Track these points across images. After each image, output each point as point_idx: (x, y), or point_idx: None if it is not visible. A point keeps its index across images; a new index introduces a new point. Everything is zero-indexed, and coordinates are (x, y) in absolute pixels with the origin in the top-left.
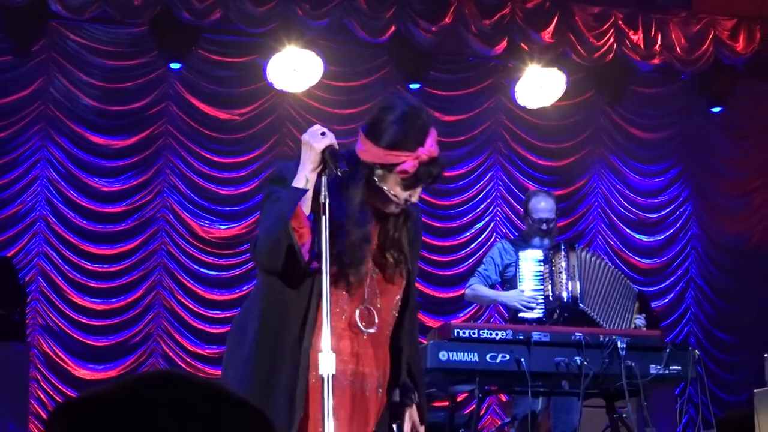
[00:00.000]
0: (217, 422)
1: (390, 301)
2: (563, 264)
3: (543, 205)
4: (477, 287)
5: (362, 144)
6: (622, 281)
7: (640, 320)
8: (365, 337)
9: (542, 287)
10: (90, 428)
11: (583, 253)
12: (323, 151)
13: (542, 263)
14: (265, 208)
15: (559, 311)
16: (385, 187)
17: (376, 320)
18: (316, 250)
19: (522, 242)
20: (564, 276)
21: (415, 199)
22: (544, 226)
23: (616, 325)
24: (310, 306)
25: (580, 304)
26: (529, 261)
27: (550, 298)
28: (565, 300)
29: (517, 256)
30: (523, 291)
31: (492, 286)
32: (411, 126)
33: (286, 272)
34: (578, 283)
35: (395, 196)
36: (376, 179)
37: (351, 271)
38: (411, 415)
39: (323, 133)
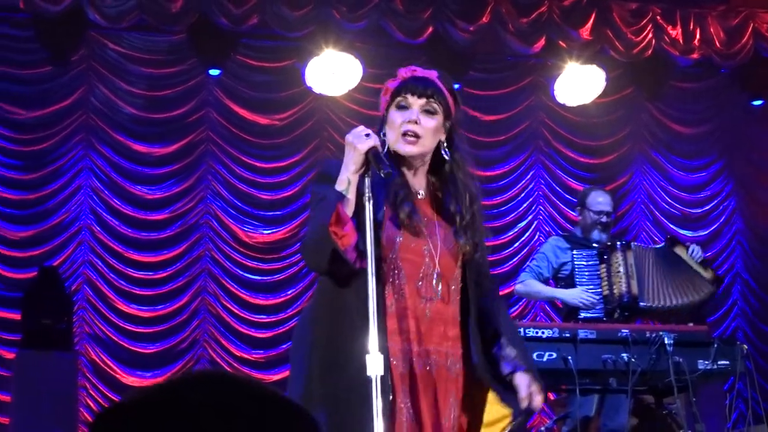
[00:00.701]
0: (262, 421)
1: (451, 272)
2: (621, 263)
3: (602, 199)
4: (530, 282)
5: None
6: (662, 252)
7: (694, 252)
8: (428, 313)
9: (600, 287)
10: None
11: (638, 250)
12: (367, 152)
13: (598, 262)
14: (313, 208)
15: (619, 311)
16: (389, 126)
17: (439, 291)
18: (361, 248)
19: (578, 238)
20: (622, 275)
21: (414, 117)
22: (603, 219)
23: (692, 289)
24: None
25: (641, 303)
26: (584, 260)
27: (609, 299)
28: (625, 300)
29: (572, 256)
30: (584, 290)
31: (544, 283)
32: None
33: (338, 272)
34: (636, 281)
35: (396, 126)
36: (386, 128)
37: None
38: (521, 380)
39: (367, 135)
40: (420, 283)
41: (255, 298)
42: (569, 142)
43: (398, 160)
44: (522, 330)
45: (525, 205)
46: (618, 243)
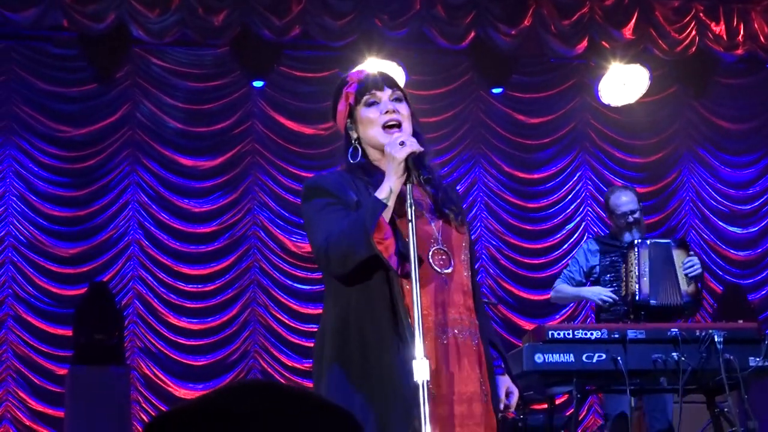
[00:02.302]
0: (307, 427)
1: (459, 246)
2: (634, 262)
3: (624, 199)
4: (561, 287)
5: (337, 123)
6: (665, 247)
7: (689, 263)
8: (445, 284)
9: (619, 287)
10: None
11: (654, 247)
12: (406, 160)
13: (621, 262)
14: (322, 217)
15: (634, 311)
16: (364, 126)
17: (452, 262)
18: (402, 251)
19: (611, 240)
20: (635, 275)
21: (390, 107)
22: (630, 219)
23: (665, 294)
24: (393, 295)
25: (652, 301)
26: (609, 263)
27: (626, 298)
28: (637, 299)
29: (600, 257)
30: (605, 288)
31: (578, 287)
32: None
33: (357, 277)
34: (648, 279)
35: (375, 121)
36: (358, 131)
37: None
38: (503, 382)
39: (402, 143)
40: (432, 257)
41: (305, 307)
42: (615, 142)
43: (374, 155)
44: (571, 332)
45: (572, 206)
46: (636, 242)
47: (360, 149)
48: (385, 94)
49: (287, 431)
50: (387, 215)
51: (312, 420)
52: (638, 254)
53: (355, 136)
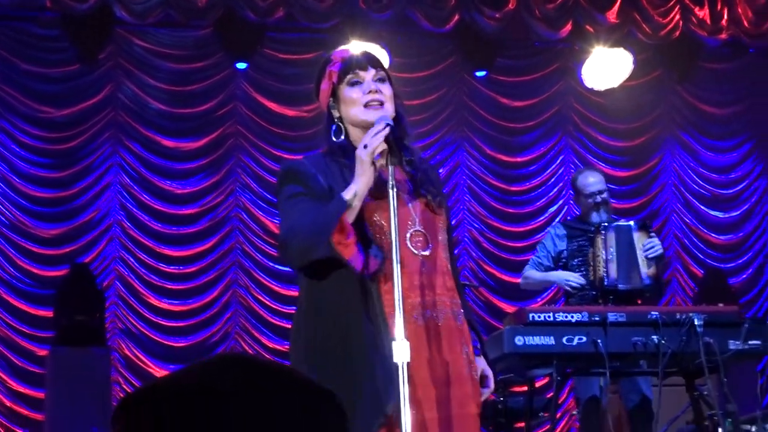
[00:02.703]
0: (290, 403)
1: (436, 228)
2: (601, 247)
3: (591, 180)
4: (529, 273)
5: (320, 102)
6: (627, 230)
7: (649, 244)
8: (423, 266)
9: (587, 272)
10: (158, 417)
11: (620, 231)
12: (388, 142)
13: (589, 247)
14: (291, 206)
15: (602, 296)
16: (346, 105)
17: (429, 243)
18: (365, 255)
19: (578, 224)
20: (602, 260)
21: (373, 87)
22: (597, 198)
23: (626, 278)
24: (364, 284)
25: (620, 286)
26: (577, 247)
27: (594, 284)
28: (606, 284)
29: (567, 242)
30: (573, 272)
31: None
32: (322, 60)
33: (318, 271)
34: (615, 264)
35: (357, 101)
36: (340, 111)
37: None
38: (479, 364)
39: (365, 145)
40: (410, 239)
41: (286, 289)
42: (598, 126)
43: (355, 134)
44: (551, 315)
45: (555, 190)
46: (602, 226)
47: (342, 129)
48: (368, 74)
49: (267, 407)
50: (351, 216)
51: (292, 396)
52: (605, 238)
53: (337, 115)
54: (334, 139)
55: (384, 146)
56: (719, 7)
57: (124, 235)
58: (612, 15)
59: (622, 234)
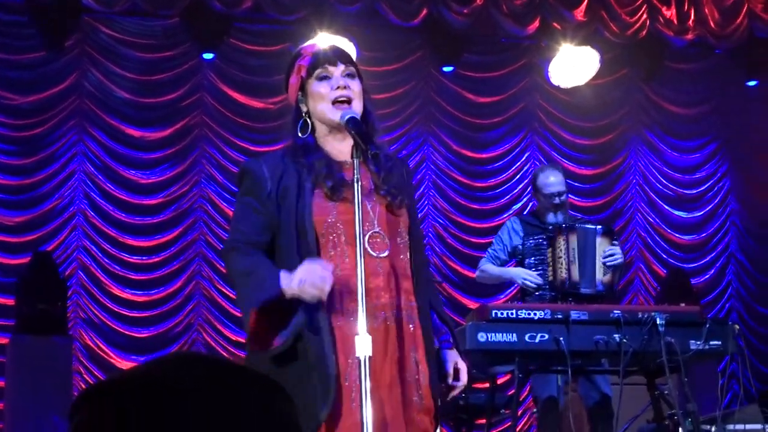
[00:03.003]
0: (242, 404)
1: (395, 229)
2: (563, 248)
3: (552, 179)
4: (485, 267)
5: (289, 96)
6: (591, 233)
7: (609, 251)
8: (379, 267)
9: (546, 272)
10: (120, 410)
11: (582, 232)
12: (352, 135)
13: (547, 246)
14: (237, 211)
15: (562, 297)
16: (314, 100)
17: (387, 245)
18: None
19: (534, 220)
20: (564, 261)
21: (341, 83)
22: (556, 200)
23: (584, 281)
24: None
25: (582, 289)
26: (534, 245)
27: (554, 284)
28: (566, 286)
29: (524, 239)
30: (530, 271)
31: (502, 266)
32: (294, 53)
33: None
34: (577, 266)
35: (325, 96)
36: (308, 105)
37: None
38: (451, 357)
39: (300, 281)
40: (367, 241)
41: None
42: (564, 123)
43: (322, 130)
44: (514, 312)
45: (520, 187)
46: (563, 226)
47: (309, 124)
48: (337, 70)
49: (227, 403)
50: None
51: (249, 392)
52: (567, 239)
53: (305, 109)
54: (300, 134)
55: (317, 296)
56: (686, 8)
57: (87, 224)
58: (579, 13)
59: (586, 236)
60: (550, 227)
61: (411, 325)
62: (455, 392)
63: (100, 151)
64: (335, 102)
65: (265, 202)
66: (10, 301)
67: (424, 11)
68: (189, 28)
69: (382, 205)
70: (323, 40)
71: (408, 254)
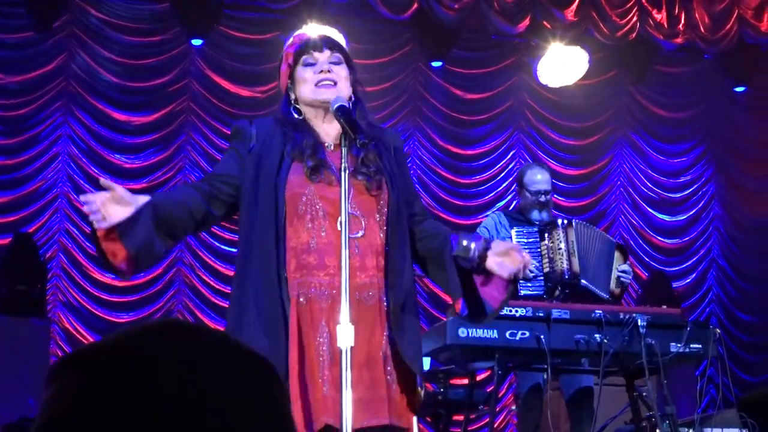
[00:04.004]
0: (220, 373)
1: (372, 208)
2: (562, 240)
3: (539, 177)
4: None
5: (280, 83)
6: (604, 239)
7: (624, 269)
8: (356, 248)
9: (540, 264)
10: (89, 381)
11: (580, 227)
12: (340, 123)
13: (539, 239)
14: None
15: (560, 288)
16: (299, 84)
17: (363, 225)
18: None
19: (519, 215)
20: (564, 252)
21: (325, 67)
22: (542, 198)
23: (603, 286)
24: (278, 233)
25: (582, 281)
26: (525, 237)
27: (551, 275)
28: (566, 277)
29: (510, 233)
30: None
31: None
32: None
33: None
34: (577, 258)
35: (309, 80)
36: (297, 91)
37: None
38: (496, 249)
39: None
40: (341, 222)
41: (230, 269)
42: (551, 123)
43: (309, 113)
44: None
45: (505, 184)
46: (560, 220)
47: (299, 111)
48: (323, 56)
49: (202, 372)
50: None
51: (227, 361)
52: (565, 232)
53: (293, 97)
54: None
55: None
56: (677, 12)
57: (69, 207)
58: (570, 13)
59: (590, 235)
60: (536, 222)
61: (386, 303)
62: (520, 271)
63: (85, 134)
64: (318, 85)
65: (245, 155)
66: None
67: (415, 5)
68: (178, 14)
69: (356, 187)
70: (313, 29)
71: (385, 230)
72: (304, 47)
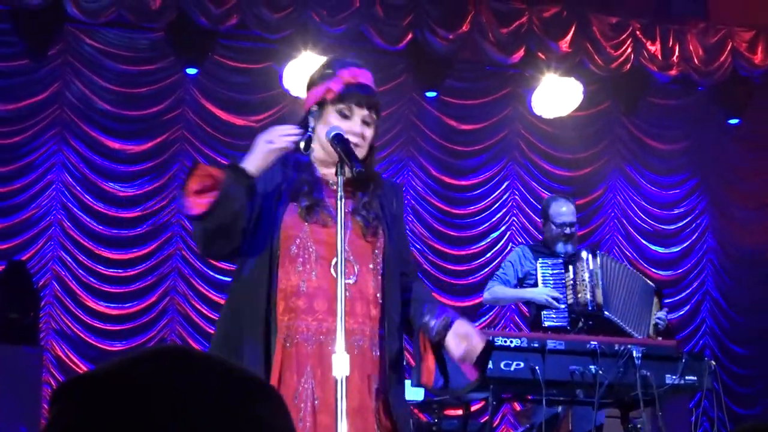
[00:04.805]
0: (216, 399)
1: (366, 255)
2: (586, 271)
3: (565, 209)
4: (497, 288)
5: (305, 101)
6: (641, 281)
7: (660, 316)
8: (346, 293)
9: (564, 295)
10: (83, 410)
11: (605, 259)
12: (338, 152)
13: (563, 271)
14: None
15: (583, 320)
16: (325, 126)
17: (356, 270)
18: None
19: (543, 249)
20: (587, 284)
21: (358, 130)
22: (567, 230)
23: (638, 327)
24: (271, 274)
25: (605, 312)
26: (550, 268)
27: (574, 307)
28: (589, 308)
29: (536, 264)
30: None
31: None
32: (330, 62)
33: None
34: (601, 290)
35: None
36: (317, 124)
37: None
38: (456, 329)
39: (271, 141)
40: (334, 266)
41: (224, 299)
42: (545, 154)
43: (319, 152)
44: (491, 338)
45: (498, 215)
46: (584, 252)
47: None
48: (360, 113)
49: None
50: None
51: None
52: (588, 264)
53: (312, 125)
54: (302, 150)
55: (286, 146)
56: (671, 44)
57: (63, 235)
58: (565, 44)
59: (610, 264)
60: (561, 255)
61: (376, 353)
62: (470, 355)
63: (79, 162)
64: None
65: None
66: None
67: (409, 35)
68: (173, 43)
69: (354, 230)
70: (306, 60)
71: (378, 280)
72: (349, 94)
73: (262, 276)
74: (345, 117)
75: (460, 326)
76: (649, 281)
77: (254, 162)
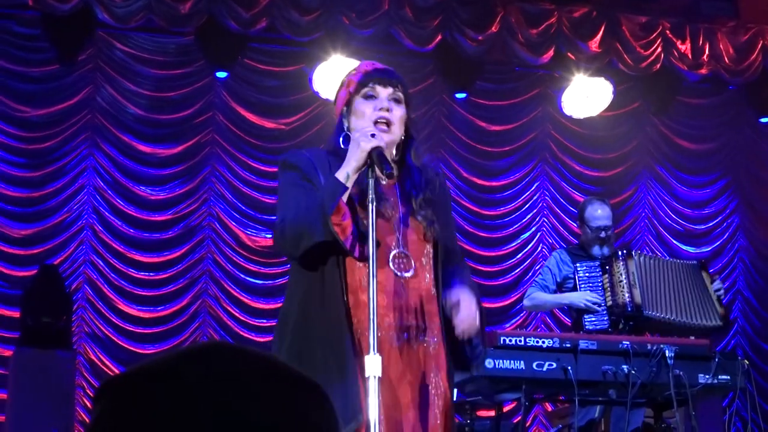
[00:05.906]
0: (265, 396)
1: (420, 251)
2: (623, 272)
3: (600, 213)
4: (537, 295)
5: (335, 108)
6: (682, 266)
7: (717, 287)
8: (403, 288)
9: (603, 298)
10: (132, 404)
11: (641, 258)
12: (370, 152)
13: (600, 273)
14: (288, 193)
15: (624, 321)
16: (356, 117)
17: (413, 265)
18: (357, 233)
19: (580, 251)
20: (625, 285)
21: (385, 105)
22: (602, 234)
23: (704, 314)
24: (340, 271)
25: (645, 311)
26: (587, 272)
27: (614, 309)
28: (629, 309)
29: (575, 268)
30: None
31: None
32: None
33: (312, 257)
34: (638, 290)
35: (367, 115)
36: (350, 121)
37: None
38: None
39: (373, 135)
40: (393, 260)
41: (256, 301)
42: (575, 154)
43: None
44: (522, 339)
45: (529, 216)
46: (620, 252)
47: (348, 138)
48: (385, 91)
49: (244, 396)
50: (344, 198)
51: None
52: (625, 264)
53: (347, 125)
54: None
55: (383, 144)
56: (701, 42)
57: (95, 239)
58: (594, 44)
59: (646, 261)
60: (598, 257)
61: (433, 347)
62: (459, 330)
63: (110, 166)
64: (376, 123)
65: (315, 184)
66: (16, 314)
67: (439, 37)
68: (203, 47)
69: (413, 228)
70: (336, 62)
71: (432, 273)
72: (368, 78)
73: (334, 273)
74: (370, 97)
75: (450, 304)
76: (689, 261)
77: (353, 163)
